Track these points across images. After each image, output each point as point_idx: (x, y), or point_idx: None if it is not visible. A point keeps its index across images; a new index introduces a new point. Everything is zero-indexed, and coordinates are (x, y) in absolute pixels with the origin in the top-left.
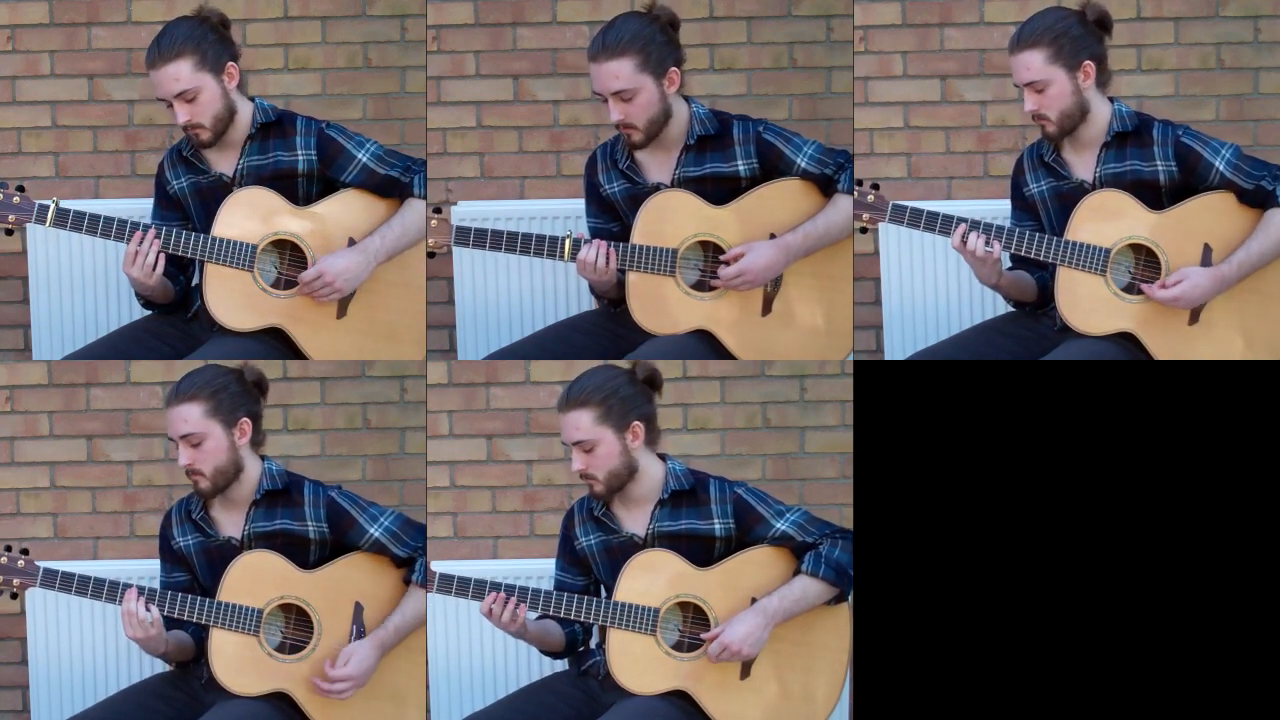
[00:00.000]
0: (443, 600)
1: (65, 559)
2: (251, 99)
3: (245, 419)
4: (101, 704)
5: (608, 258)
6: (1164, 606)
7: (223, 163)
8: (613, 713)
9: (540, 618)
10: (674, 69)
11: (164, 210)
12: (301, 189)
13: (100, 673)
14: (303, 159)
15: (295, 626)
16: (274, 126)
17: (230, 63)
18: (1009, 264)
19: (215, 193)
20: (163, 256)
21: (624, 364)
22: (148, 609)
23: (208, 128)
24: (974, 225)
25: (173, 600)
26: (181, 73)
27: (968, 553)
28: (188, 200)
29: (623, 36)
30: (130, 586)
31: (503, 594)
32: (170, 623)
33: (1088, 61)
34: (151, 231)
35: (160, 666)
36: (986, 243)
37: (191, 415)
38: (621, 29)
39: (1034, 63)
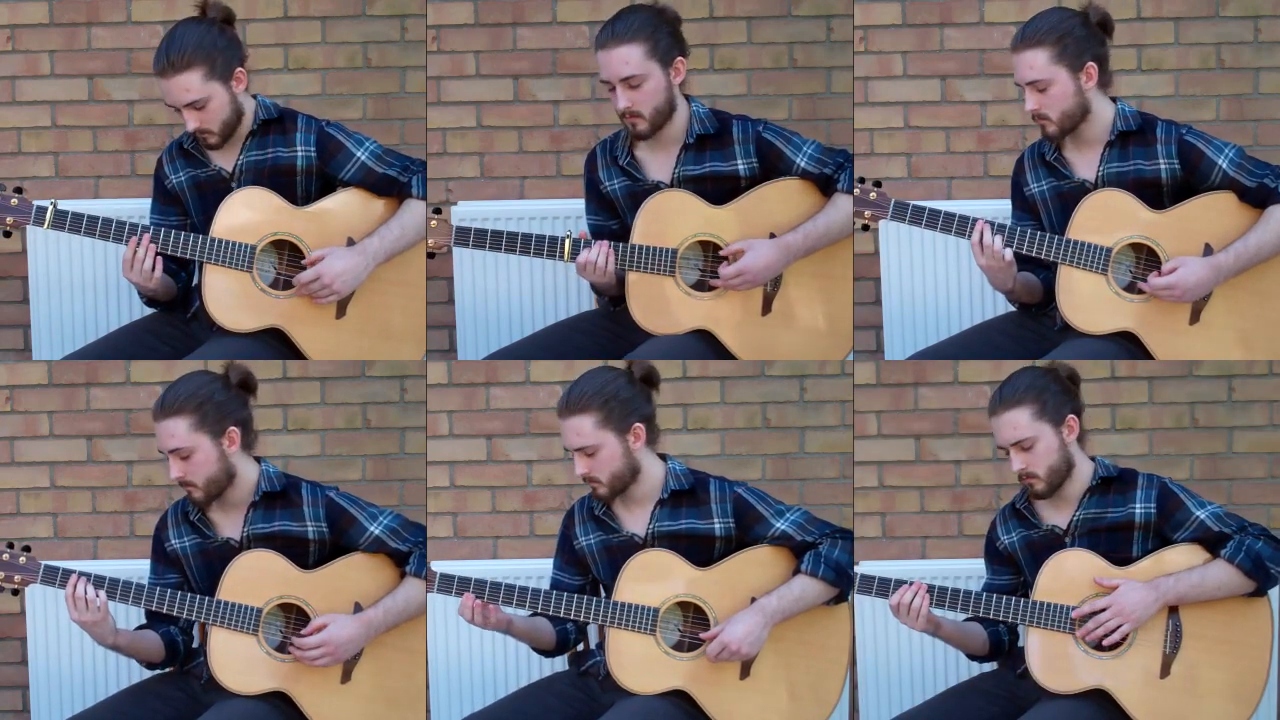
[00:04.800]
0: (443, 600)
1: (65, 559)
2: (254, 96)
3: (233, 427)
4: (101, 704)
5: (607, 259)
6: None
7: (222, 158)
8: (612, 713)
9: (533, 615)
10: (680, 59)
11: (162, 205)
12: (300, 186)
13: (100, 673)
14: (301, 155)
15: (295, 626)
16: (274, 123)
17: (239, 68)
18: None
19: (214, 187)
20: (159, 259)
21: (620, 364)
22: (96, 593)
23: (216, 132)
24: (989, 224)
25: (173, 597)
26: (192, 84)
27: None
28: (186, 194)
29: (632, 25)
30: (83, 575)
31: (470, 594)
32: (153, 622)
33: (1090, 63)
34: (146, 236)
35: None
36: (1004, 243)
37: (179, 430)
38: (630, 19)
39: (1037, 61)
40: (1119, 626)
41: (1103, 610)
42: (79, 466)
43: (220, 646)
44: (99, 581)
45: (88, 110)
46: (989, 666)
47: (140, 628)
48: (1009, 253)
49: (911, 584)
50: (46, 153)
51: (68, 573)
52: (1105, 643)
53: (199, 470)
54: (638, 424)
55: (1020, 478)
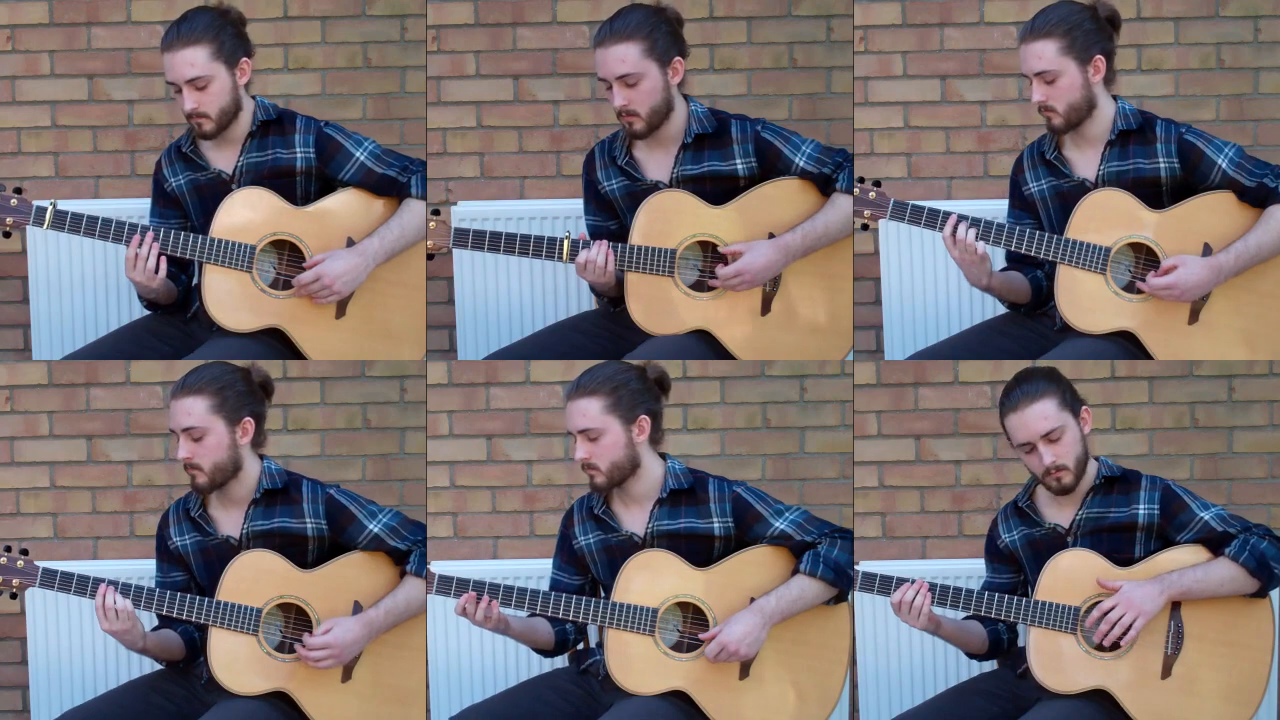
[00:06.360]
0: (443, 600)
1: (65, 559)
2: (253, 97)
3: (249, 419)
4: (101, 697)
5: (607, 259)
6: None
7: (222, 160)
8: (612, 713)
9: (531, 615)
10: (678, 59)
11: (162, 209)
12: (300, 187)
13: (100, 672)
14: (301, 157)
15: (294, 626)
16: (273, 124)
17: (244, 59)
18: (1003, 264)
19: (214, 190)
20: (163, 259)
21: (636, 362)
22: (118, 600)
23: (212, 118)
24: (963, 218)
25: (172, 599)
26: (197, 59)
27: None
28: (186, 198)
29: (630, 23)
30: (111, 584)
31: (473, 592)
32: (166, 623)
33: (1099, 56)
34: (150, 235)
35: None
36: (978, 236)
37: (196, 409)
38: (629, 16)
39: (1046, 52)
40: (1132, 623)
41: (1111, 610)
42: (79, 466)
43: (220, 647)
44: (124, 589)
45: (88, 110)
46: (989, 666)
47: (157, 628)
48: (982, 246)
49: (913, 581)
50: (46, 153)
51: (67, 575)
52: (1121, 642)
53: (208, 454)
54: (644, 416)
55: (1048, 472)
